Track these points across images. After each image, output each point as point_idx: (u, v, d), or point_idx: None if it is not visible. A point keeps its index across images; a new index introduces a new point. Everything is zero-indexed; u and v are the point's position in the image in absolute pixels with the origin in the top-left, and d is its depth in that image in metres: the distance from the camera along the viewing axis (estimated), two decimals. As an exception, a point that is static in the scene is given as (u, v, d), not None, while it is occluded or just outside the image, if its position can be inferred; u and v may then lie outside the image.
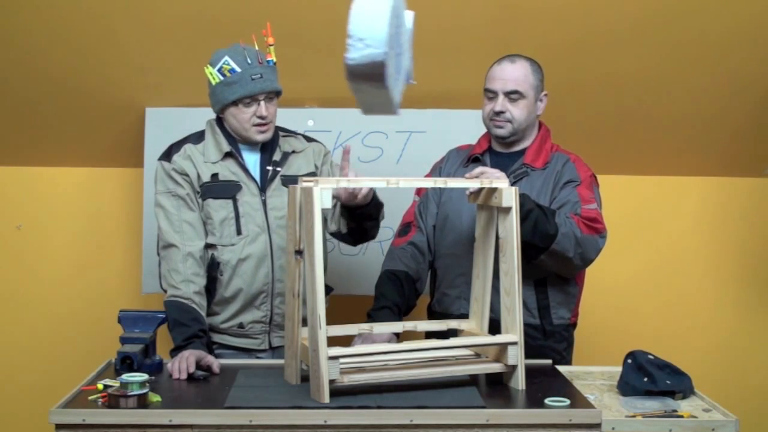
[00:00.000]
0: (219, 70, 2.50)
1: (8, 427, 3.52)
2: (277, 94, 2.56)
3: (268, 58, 2.53)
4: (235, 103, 2.51)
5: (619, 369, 2.29)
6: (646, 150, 3.51)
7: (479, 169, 2.33)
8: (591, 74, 3.20)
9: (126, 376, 2.01)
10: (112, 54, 3.09)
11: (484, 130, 2.67)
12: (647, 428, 2.03)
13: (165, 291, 2.54)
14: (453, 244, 2.61)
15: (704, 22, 3.03)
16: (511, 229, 2.19)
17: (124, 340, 2.38)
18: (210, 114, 2.71)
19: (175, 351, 2.39)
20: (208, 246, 2.56)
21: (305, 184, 2.07)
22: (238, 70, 2.48)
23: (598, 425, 2.00)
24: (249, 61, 2.49)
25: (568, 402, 2.04)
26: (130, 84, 3.19)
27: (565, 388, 2.21)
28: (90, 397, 2.05)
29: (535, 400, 2.08)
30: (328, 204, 2.05)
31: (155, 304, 3.20)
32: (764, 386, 3.66)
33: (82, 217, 3.52)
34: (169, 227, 2.54)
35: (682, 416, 2.06)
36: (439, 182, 2.34)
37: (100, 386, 2.09)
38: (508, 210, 2.20)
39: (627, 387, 2.22)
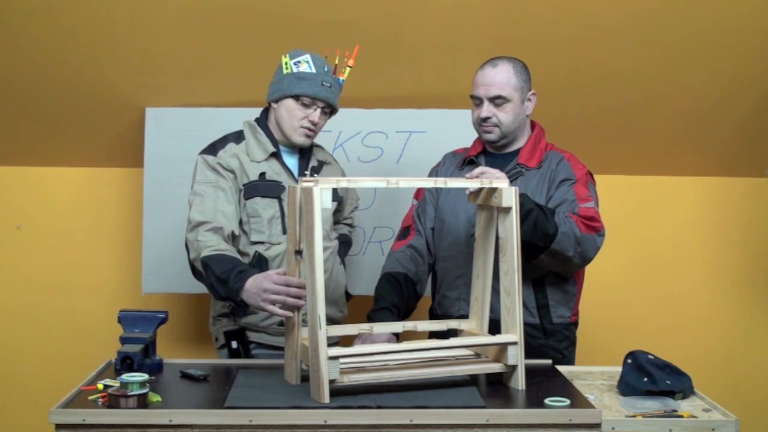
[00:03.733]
0: (296, 63, 2.56)
1: (8, 427, 3.52)
2: (332, 111, 2.63)
3: (341, 77, 2.61)
4: (296, 97, 2.55)
5: (619, 369, 2.29)
6: (645, 150, 3.52)
7: (479, 169, 2.33)
8: (590, 74, 3.20)
9: (126, 376, 2.00)
10: (112, 54, 3.09)
11: (482, 131, 2.68)
12: (647, 428, 2.03)
13: (193, 266, 2.46)
14: (451, 246, 2.61)
15: (703, 22, 3.03)
16: (511, 229, 2.19)
17: (124, 340, 2.38)
18: (211, 114, 2.72)
19: (233, 305, 2.40)
20: (255, 243, 2.57)
21: (305, 184, 2.07)
22: (314, 71, 2.55)
23: (598, 425, 2.00)
24: (326, 69, 2.57)
25: (568, 402, 2.04)
26: (130, 84, 3.19)
27: (565, 388, 2.21)
28: (90, 397, 2.05)
29: (535, 400, 2.08)
30: (328, 204, 2.05)
31: (155, 304, 3.22)
32: (764, 386, 3.66)
33: (82, 217, 3.53)
34: (200, 214, 2.47)
35: (682, 416, 2.06)
36: (439, 182, 2.34)
37: (100, 386, 2.09)
38: (508, 210, 2.20)
39: (627, 387, 2.22)
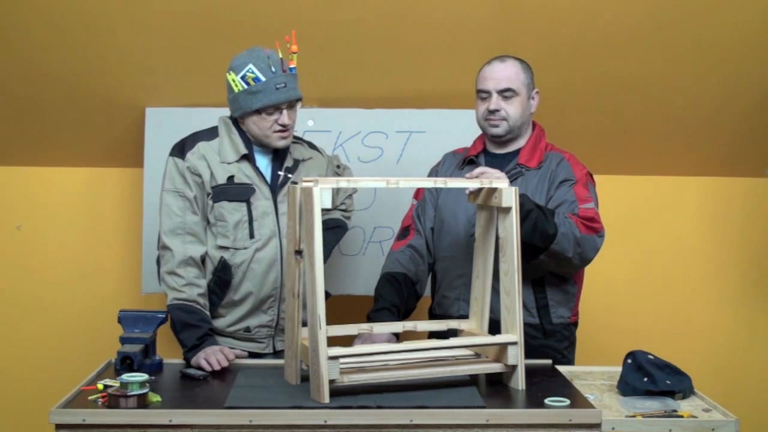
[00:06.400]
0: (242, 78, 2.48)
1: (8, 427, 3.52)
2: (298, 100, 2.56)
3: (291, 66, 2.51)
4: (257, 111, 2.50)
5: (619, 369, 2.29)
6: (646, 150, 3.51)
7: (479, 169, 2.33)
8: (591, 74, 3.20)
9: (126, 376, 2.01)
10: (112, 54, 3.09)
11: (483, 131, 2.68)
12: (647, 428, 2.03)
13: (165, 293, 2.54)
14: (450, 246, 2.61)
15: (704, 23, 3.03)
16: (511, 229, 2.19)
17: (124, 340, 2.38)
18: (211, 114, 2.71)
19: (190, 351, 2.41)
20: (221, 248, 2.55)
21: (305, 184, 2.07)
22: (263, 79, 2.46)
23: (598, 425, 2.00)
24: (273, 70, 2.47)
25: (568, 402, 2.04)
26: (130, 84, 3.19)
27: (565, 388, 2.21)
28: (90, 397, 2.05)
29: (535, 400, 2.08)
30: (328, 204, 2.06)
31: (155, 304, 3.21)
32: (764, 386, 3.66)
33: (82, 217, 3.52)
34: (170, 229, 2.53)
35: (682, 416, 2.06)
36: (439, 182, 2.34)
37: (100, 386, 2.09)
38: (508, 210, 2.20)
39: (627, 387, 2.22)
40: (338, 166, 2.82)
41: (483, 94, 2.57)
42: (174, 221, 2.53)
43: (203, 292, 2.52)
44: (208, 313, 2.52)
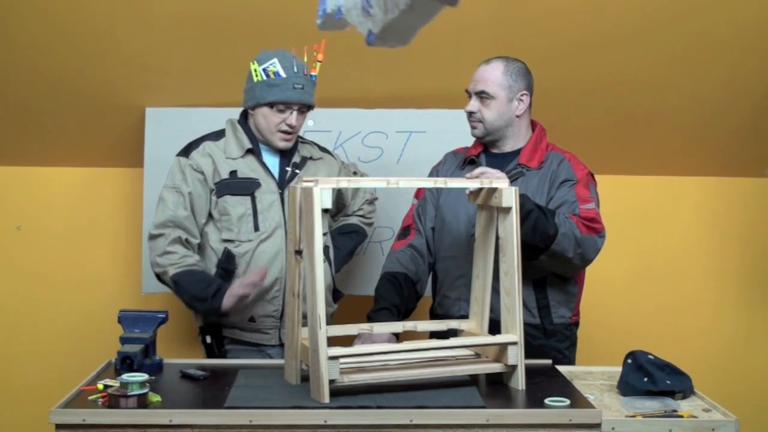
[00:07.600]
0: (264, 70, 2.55)
1: (8, 427, 3.52)
2: (309, 107, 2.62)
3: (312, 73, 2.59)
4: (270, 104, 2.55)
5: (619, 369, 2.29)
6: (646, 150, 3.51)
7: (480, 169, 2.33)
8: (591, 74, 3.20)
9: (126, 376, 2.01)
10: (112, 54, 3.09)
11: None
12: (647, 428, 2.03)
13: (159, 277, 2.59)
14: (451, 246, 2.61)
15: (704, 22, 3.03)
16: (511, 229, 2.19)
17: (124, 340, 2.38)
18: (211, 114, 2.72)
19: (214, 298, 2.48)
20: (225, 241, 2.60)
21: (305, 184, 2.07)
22: (283, 75, 2.54)
23: (598, 425, 2.00)
24: (295, 70, 2.55)
25: (568, 402, 2.04)
26: (130, 84, 3.19)
27: (565, 388, 2.21)
28: (90, 397, 2.05)
29: (535, 400, 2.08)
30: (329, 204, 2.05)
31: (155, 304, 3.21)
32: (764, 386, 3.66)
33: (82, 217, 3.53)
34: (161, 222, 2.59)
35: (682, 416, 2.06)
36: (439, 182, 2.34)
37: (100, 386, 2.09)
38: (508, 210, 2.20)
39: (627, 387, 2.22)
40: (354, 173, 2.87)
41: (467, 95, 2.59)
42: (166, 214, 2.59)
43: (200, 259, 2.58)
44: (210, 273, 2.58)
